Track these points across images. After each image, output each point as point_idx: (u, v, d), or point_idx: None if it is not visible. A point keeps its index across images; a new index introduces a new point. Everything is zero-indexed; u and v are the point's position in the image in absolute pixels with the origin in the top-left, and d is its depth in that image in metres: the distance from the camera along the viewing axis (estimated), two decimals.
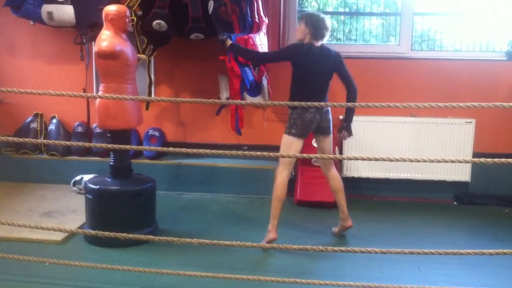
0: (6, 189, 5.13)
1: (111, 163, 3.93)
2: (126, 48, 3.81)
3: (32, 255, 3.19)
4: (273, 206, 3.88)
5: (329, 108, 3.93)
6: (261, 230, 4.24)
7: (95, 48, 3.79)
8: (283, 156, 3.43)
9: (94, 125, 5.46)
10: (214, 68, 5.11)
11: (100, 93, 3.85)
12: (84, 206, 3.96)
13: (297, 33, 3.95)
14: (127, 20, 3.88)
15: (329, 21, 3.88)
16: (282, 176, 3.89)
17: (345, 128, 4.01)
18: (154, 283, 3.21)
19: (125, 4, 4.58)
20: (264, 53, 4.15)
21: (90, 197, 3.85)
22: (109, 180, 3.93)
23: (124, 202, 3.81)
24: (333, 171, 4.07)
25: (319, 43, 3.84)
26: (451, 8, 5.34)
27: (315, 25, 3.79)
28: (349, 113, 4.01)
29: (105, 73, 3.80)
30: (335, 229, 4.14)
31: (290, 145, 3.82)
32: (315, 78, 3.82)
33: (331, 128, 3.98)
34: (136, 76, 4.00)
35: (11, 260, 3.17)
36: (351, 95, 3.88)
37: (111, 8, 3.81)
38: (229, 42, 4.04)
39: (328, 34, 3.88)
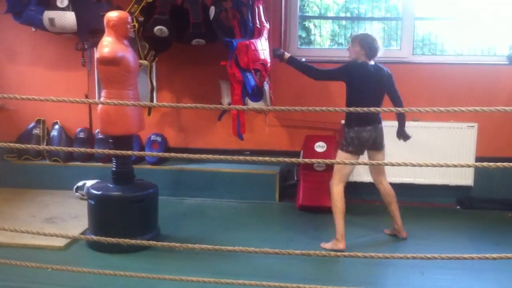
0: (8, 195, 5.13)
1: (113, 169, 3.93)
2: (128, 54, 3.82)
3: (34, 261, 3.18)
4: (337, 221, 3.91)
5: (382, 123, 4.01)
6: (263, 235, 4.24)
7: (96, 54, 3.80)
8: (286, 162, 3.43)
9: (96, 131, 5.47)
10: (215, 73, 5.12)
11: (102, 99, 3.85)
12: (86, 211, 3.96)
13: (350, 53, 4.04)
14: (129, 26, 3.89)
15: (380, 41, 3.99)
16: (338, 187, 3.96)
17: (400, 133, 4.17)
18: None
19: (127, 10, 4.60)
20: (322, 71, 4.09)
21: (92, 202, 3.84)
22: (111, 185, 3.93)
23: (126, 208, 3.81)
24: (385, 183, 4.17)
25: (372, 62, 3.95)
26: (452, 13, 5.34)
27: (371, 45, 3.91)
28: (401, 120, 4.14)
29: (106, 79, 3.81)
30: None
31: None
32: (370, 96, 3.87)
33: (384, 143, 4.08)
34: (137, 82, 4.01)
35: (13, 266, 3.17)
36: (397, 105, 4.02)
37: (113, 14, 3.82)
38: (287, 56, 4.07)
39: (378, 53, 3.97)
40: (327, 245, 3.88)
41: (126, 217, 3.81)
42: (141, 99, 4.19)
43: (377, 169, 4.17)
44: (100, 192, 3.83)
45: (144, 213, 3.89)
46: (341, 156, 3.96)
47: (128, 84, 3.84)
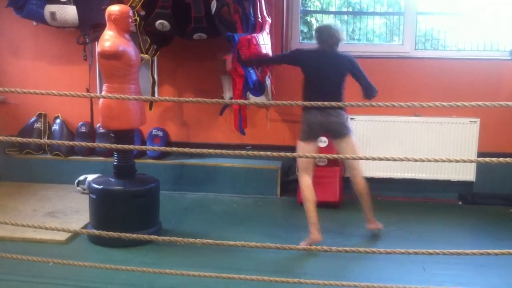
0: (10, 189, 5.14)
1: (115, 163, 3.94)
2: (129, 48, 3.81)
3: (35, 255, 3.19)
4: (307, 210, 3.92)
5: (341, 111, 3.94)
6: (265, 230, 4.24)
7: (98, 48, 3.79)
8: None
9: (98, 125, 5.47)
10: (217, 68, 5.10)
11: (103, 93, 3.85)
12: (87, 206, 3.96)
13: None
14: (130, 20, 3.89)
15: (335, 30, 3.98)
16: (304, 180, 3.97)
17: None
18: (157, 283, 3.20)
19: (128, 4, 4.58)
20: (278, 55, 4.37)
21: (94, 197, 3.85)
22: (112, 180, 3.93)
23: (128, 202, 3.81)
24: (356, 175, 4.11)
25: (331, 49, 3.95)
26: (454, 8, 5.31)
27: (321, 35, 3.99)
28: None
29: (108, 73, 3.80)
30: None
31: (302, 150, 3.90)
32: (323, 83, 3.89)
33: (346, 131, 3.97)
34: (139, 76, 4.00)
35: (14, 260, 3.17)
36: (366, 93, 4.01)
37: (114, 8, 3.81)
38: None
39: (336, 41, 3.95)
40: (304, 243, 3.78)
41: (127, 212, 3.81)
42: (142, 93, 4.18)
43: (348, 162, 4.15)
44: (101, 186, 3.83)
45: (146, 208, 3.89)
46: (298, 145, 4.01)
47: (130, 79, 3.83)
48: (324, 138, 5.04)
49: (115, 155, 3.94)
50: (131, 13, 3.92)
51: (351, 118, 5.07)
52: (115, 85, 3.77)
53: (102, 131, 5.40)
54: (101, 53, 3.72)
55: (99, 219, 3.86)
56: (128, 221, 3.78)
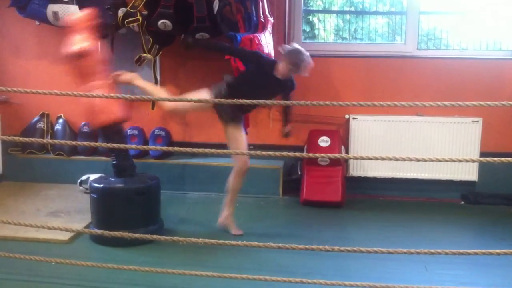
0: (13, 189, 5.15)
1: (113, 162, 3.94)
2: (91, 46, 3.82)
3: (38, 255, 3.20)
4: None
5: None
6: (267, 229, 4.24)
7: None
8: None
9: None
10: (219, 67, 5.09)
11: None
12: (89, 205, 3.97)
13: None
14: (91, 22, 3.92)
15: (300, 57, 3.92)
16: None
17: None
18: (160, 282, 3.20)
19: (131, 4, 4.59)
20: (238, 49, 4.25)
21: (95, 196, 3.85)
22: (113, 179, 3.94)
23: (129, 199, 3.81)
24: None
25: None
26: (457, 7, 5.31)
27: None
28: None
29: (77, 73, 3.85)
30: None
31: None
32: (256, 93, 3.82)
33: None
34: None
35: (17, 259, 3.18)
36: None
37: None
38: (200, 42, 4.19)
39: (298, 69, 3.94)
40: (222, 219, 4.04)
41: (128, 209, 3.82)
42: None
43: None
44: (101, 185, 3.84)
45: (147, 205, 3.90)
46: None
47: (97, 73, 3.84)
48: (326, 138, 5.06)
49: (112, 154, 3.95)
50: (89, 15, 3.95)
51: (354, 118, 5.09)
52: (85, 81, 3.79)
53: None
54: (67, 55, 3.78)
55: (100, 218, 3.87)
56: (129, 218, 3.79)
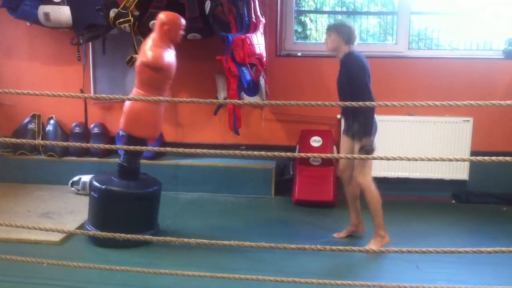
0: (4, 190, 5.12)
1: (120, 162, 3.86)
2: (173, 61, 3.72)
3: (30, 256, 3.18)
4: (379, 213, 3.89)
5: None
6: (260, 229, 4.24)
7: (142, 57, 3.62)
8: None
9: (92, 126, 5.47)
10: (211, 68, 5.11)
11: (131, 95, 3.73)
12: (82, 206, 3.95)
13: (328, 43, 3.88)
14: (181, 31, 3.76)
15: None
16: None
17: None
18: (153, 283, 3.20)
19: (122, 4, 4.59)
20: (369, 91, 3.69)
21: (95, 195, 3.79)
22: (115, 179, 3.85)
23: (129, 204, 3.76)
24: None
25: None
26: (448, 7, 5.34)
27: (347, 31, 3.78)
28: None
29: (145, 82, 3.65)
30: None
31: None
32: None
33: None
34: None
35: (9, 261, 3.16)
36: None
37: (165, 17, 3.69)
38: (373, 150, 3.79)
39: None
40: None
41: (128, 213, 3.76)
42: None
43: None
44: (104, 186, 3.76)
45: (147, 210, 3.86)
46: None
47: (164, 89, 3.76)
48: (317, 138, 5.07)
49: (123, 156, 3.86)
50: (182, 21, 3.77)
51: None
52: (148, 95, 3.57)
53: (96, 131, 5.41)
54: (145, 63, 3.58)
55: (99, 219, 3.81)
56: (127, 222, 3.73)
